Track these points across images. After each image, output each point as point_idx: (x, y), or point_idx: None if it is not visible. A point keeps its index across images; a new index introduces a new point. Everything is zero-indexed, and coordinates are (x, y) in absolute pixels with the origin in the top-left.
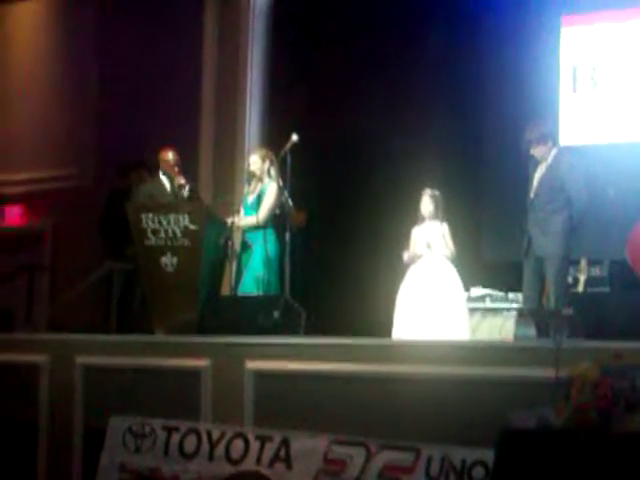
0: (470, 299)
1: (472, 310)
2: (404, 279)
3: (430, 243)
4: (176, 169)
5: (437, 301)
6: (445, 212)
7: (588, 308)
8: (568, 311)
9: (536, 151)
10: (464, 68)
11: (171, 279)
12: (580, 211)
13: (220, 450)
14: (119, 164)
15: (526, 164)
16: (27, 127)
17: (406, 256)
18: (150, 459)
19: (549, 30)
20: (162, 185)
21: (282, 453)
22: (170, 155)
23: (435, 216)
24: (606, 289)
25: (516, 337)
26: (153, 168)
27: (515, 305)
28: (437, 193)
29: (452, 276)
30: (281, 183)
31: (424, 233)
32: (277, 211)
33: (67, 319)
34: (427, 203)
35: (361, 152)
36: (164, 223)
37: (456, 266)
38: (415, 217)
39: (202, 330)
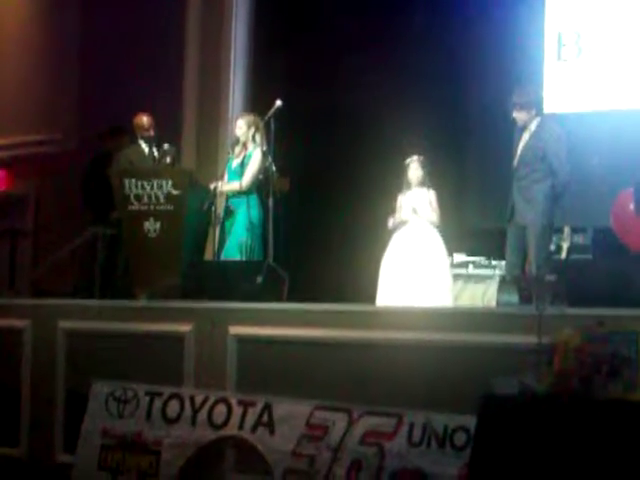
0: (453, 265)
1: (455, 276)
2: (388, 245)
3: (416, 209)
4: (151, 132)
5: (421, 267)
6: (431, 179)
7: (571, 275)
8: (551, 278)
9: (518, 115)
10: (449, 35)
11: (154, 244)
12: (562, 181)
13: (203, 415)
14: (99, 131)
15: (511, 130)
16: (10, 91)
17: (391, 222)
18: (133, 424)
19: None
20: (141, 151)
21: (264, 418)
22: (144, 119)
23: (422, 183)
24: (589, 256)
25: (499, 303)
26: (133, 134)
27: (498, 272)
28: (424, 159)
29: (436, 242)
30: (265, 149)
31: (410, 199)
32: (261, 177)
33: (50, 284)
34: (415, 169)
35: (345, 118)
36: (147, 188)
37: (440, 232)
38: (400, 184)
39: (185, 295)
